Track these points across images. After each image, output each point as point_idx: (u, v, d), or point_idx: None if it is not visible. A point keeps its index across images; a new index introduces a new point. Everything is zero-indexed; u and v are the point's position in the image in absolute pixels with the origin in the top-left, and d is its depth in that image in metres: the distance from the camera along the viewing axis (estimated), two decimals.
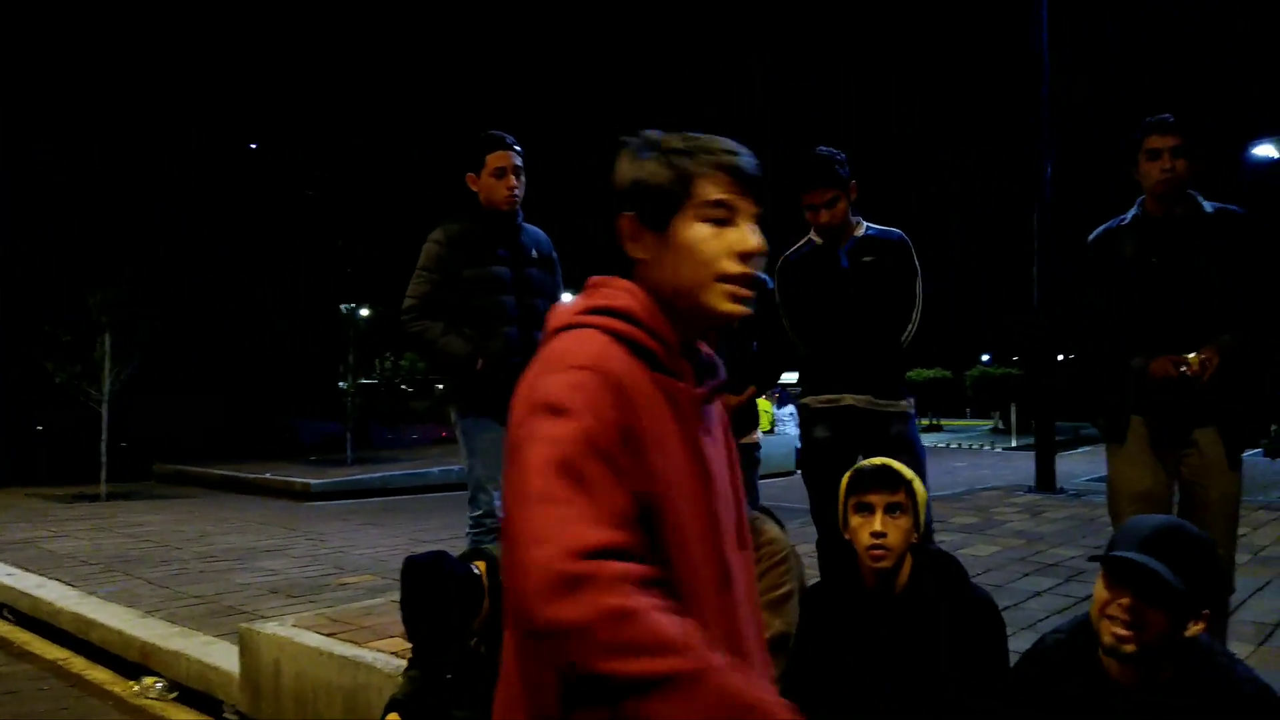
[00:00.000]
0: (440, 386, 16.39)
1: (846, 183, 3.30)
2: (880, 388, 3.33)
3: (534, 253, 3.66)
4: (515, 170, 3.52)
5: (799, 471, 3.67)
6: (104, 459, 9.54)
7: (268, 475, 10.63)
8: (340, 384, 14.31)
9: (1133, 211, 2.95)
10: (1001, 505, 7.73)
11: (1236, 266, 2.78)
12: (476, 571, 2.61)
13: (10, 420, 13.07)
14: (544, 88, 25.53)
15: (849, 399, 3.34)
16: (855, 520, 2.08)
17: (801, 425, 3.54)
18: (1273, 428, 13.20)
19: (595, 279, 1.21)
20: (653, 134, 1.20)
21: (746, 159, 1.18)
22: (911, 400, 3.46)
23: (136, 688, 3.88)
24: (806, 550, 5.73)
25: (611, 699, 0.93)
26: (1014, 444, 20.00)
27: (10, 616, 4.97)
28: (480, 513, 3.52)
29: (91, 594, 4.86)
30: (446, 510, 8.10)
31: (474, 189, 3.57)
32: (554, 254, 3.79)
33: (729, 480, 1.24)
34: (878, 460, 2.12)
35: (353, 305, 15.41)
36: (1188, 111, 2.90)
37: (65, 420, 11.78)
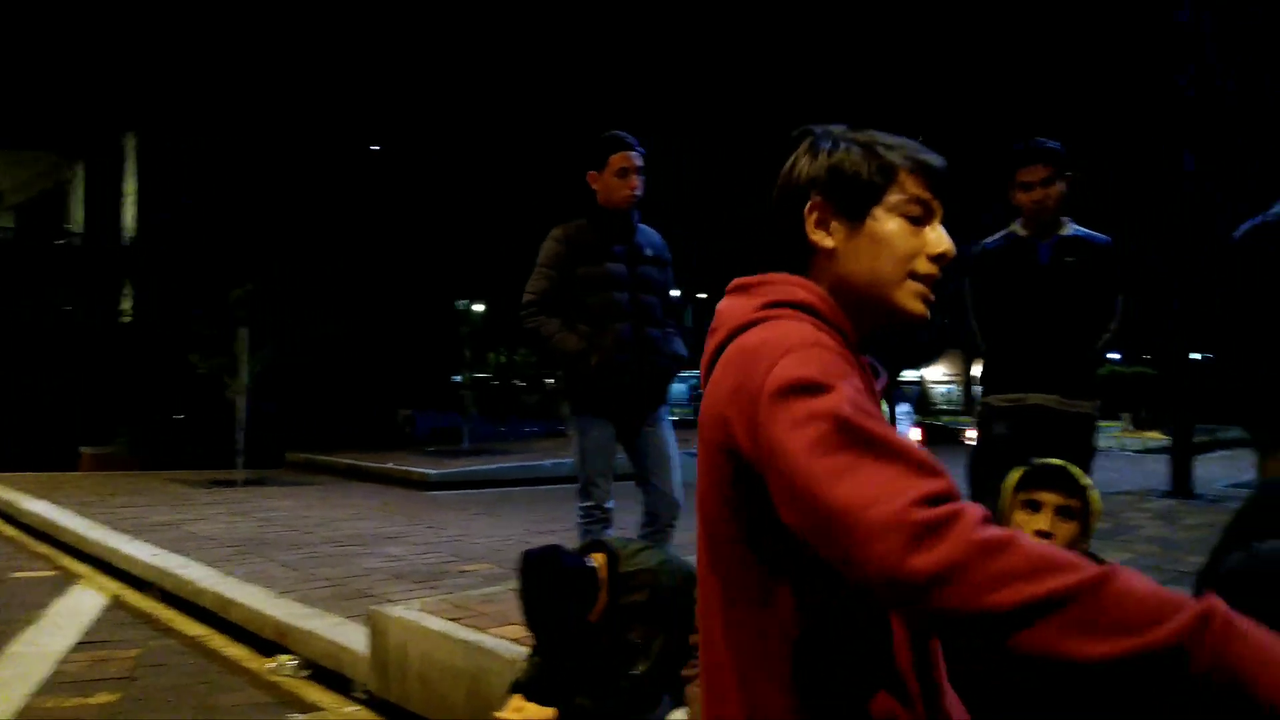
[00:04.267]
0: (550, 381, 16.70)
1: (1064, 167, 3.19)
2: (1069, 387, 3.22)
3: (649, 251, 3.71)
4: (637, 170, 3.56)
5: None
6: (240, 447, 10.03)
7: (389, 465, 11.04)
8: (456, 378, 14.69)
9: None
10: (1133, 510, 7.38)
11: None
12: (593, 565, 2.64)
13: (151, 409, 13.86)
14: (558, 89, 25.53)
15: (1035, 398, 3.23)
16: (1020, 516, 1.99)
17: (979, 423, 3.46)
18: None
19: (747, 279, 1.17)
20: (838, 128, 1.18)
21: (942, 161, 1.16)
22: (1098, 403, 3.31)
23: (271, 665, 4.07)
24: None
25: (996, 635, 0.85)
26: (1144, 446, 19.05)
27: (157, 594, 5.29)
28: (590, 504, 3.59)
29: (230, 574, 5.13)
30: (557, 502, 8.23)
31: (594, 187, 3.61)
32: (668, 254, 3.82)
33: None
34: (1058, 461, 2.02)
35: (467, 301, 15.83)
36: None
37: (202, 410, 12.46)
